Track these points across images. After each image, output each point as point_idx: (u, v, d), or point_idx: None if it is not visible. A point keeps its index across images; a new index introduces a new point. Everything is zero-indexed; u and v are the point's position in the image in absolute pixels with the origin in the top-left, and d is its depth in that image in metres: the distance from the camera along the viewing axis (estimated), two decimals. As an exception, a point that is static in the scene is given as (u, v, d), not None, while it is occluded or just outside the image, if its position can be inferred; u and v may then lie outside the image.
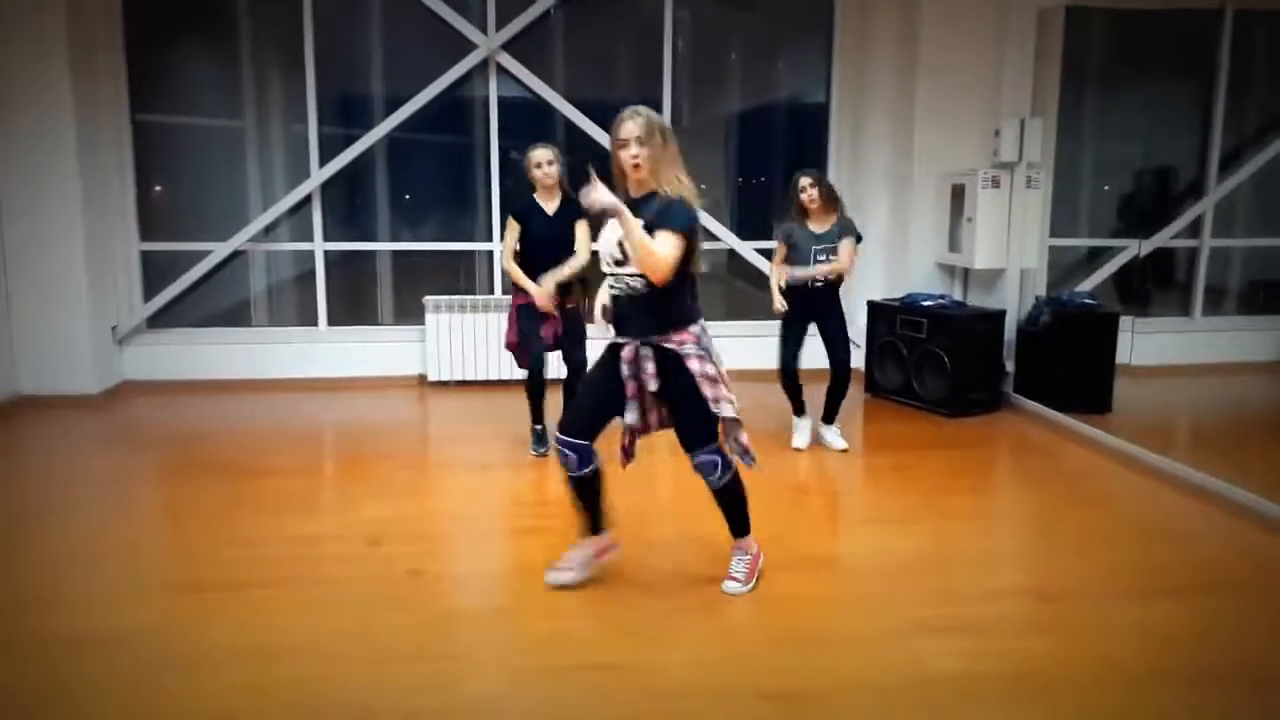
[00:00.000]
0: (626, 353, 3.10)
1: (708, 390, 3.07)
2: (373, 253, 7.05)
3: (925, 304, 6.08)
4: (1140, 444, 4.87)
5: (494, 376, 6.66)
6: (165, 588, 3.46)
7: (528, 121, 6.89)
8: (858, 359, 6.72)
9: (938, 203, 6.46)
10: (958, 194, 6.31)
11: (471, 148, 6.91)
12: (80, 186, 5.99)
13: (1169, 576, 3.49)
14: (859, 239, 4.98)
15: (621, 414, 3.16)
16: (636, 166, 2.99)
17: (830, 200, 4.93)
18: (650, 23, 6.78)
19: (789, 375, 5.13)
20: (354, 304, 7.08)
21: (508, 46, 6.59)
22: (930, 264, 6.56)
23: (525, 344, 4.78)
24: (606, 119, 6.64)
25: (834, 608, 3.25)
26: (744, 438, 3.17)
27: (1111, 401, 5.77)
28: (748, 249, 6.98)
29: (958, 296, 6.45)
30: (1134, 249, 6.90)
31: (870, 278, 6.84)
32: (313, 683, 2.72)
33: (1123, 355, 5.90)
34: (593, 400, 3.22)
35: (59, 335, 6.09)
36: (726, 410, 3.09)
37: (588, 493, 3.24)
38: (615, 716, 2.56)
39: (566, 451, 3.14)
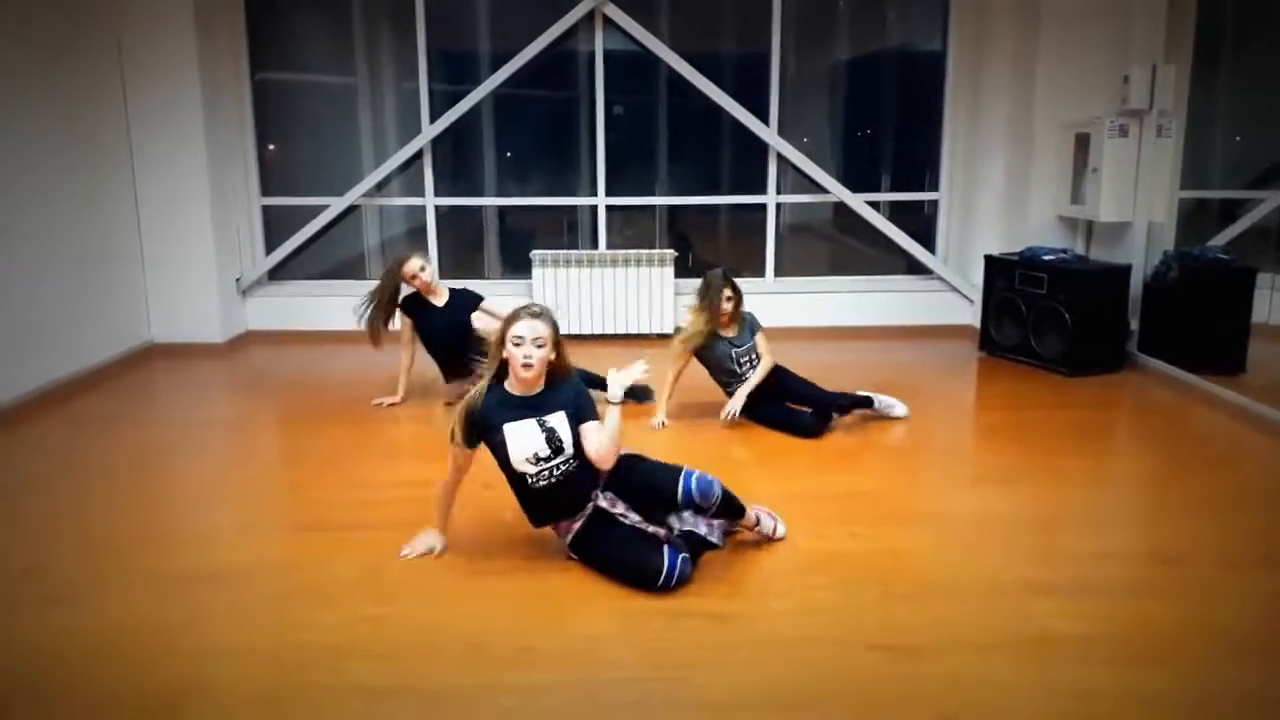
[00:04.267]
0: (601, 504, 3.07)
1: (636, 517, 3.04)
2: (479, 208, 7.15)
3: (1046, 258, 5.83)
4: (1276, 406, 4.59)
5: (599, 330, 6.71)
6: (286, 526, 3.63)
7: (633, 75, 6.85)
8: (973, 314, 6.54)
9: (1060, 153, 6.16)
10: (1082, 144, 6.00)
11: (577, 102, 6.91)
12: (205, 143, 6.22)
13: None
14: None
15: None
16: (528, 367, 2.92)
17: (740, 304, 4.59)
18: (759, -30, 6.63)
19: (816, 421, 4.56)
20: (462, 258, 7.21)
21: (614, -2, 6.55)
22: (1051, 217, 6.28)
23: None
24: (715, 71, 6.68)
25: (944, 564, 3.18)
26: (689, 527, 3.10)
27: (1246, 361, 5.45)
28: (858, 201, 6.81)
29: (1080, 251, 6.17)
30: (1275, 201, 6.46)
31: (987, 232, 6.60)
32: (427, 617, 2.81)
33: (1260, 313, 5.55)
34: (623, 547, 3.03)
35: (188, 286, 6.38)
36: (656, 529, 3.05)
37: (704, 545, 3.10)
38: (723, 661, 2.57)
39: (677, 569, 2.93)
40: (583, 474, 3.03)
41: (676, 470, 3.01)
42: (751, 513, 3.23)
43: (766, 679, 2.49)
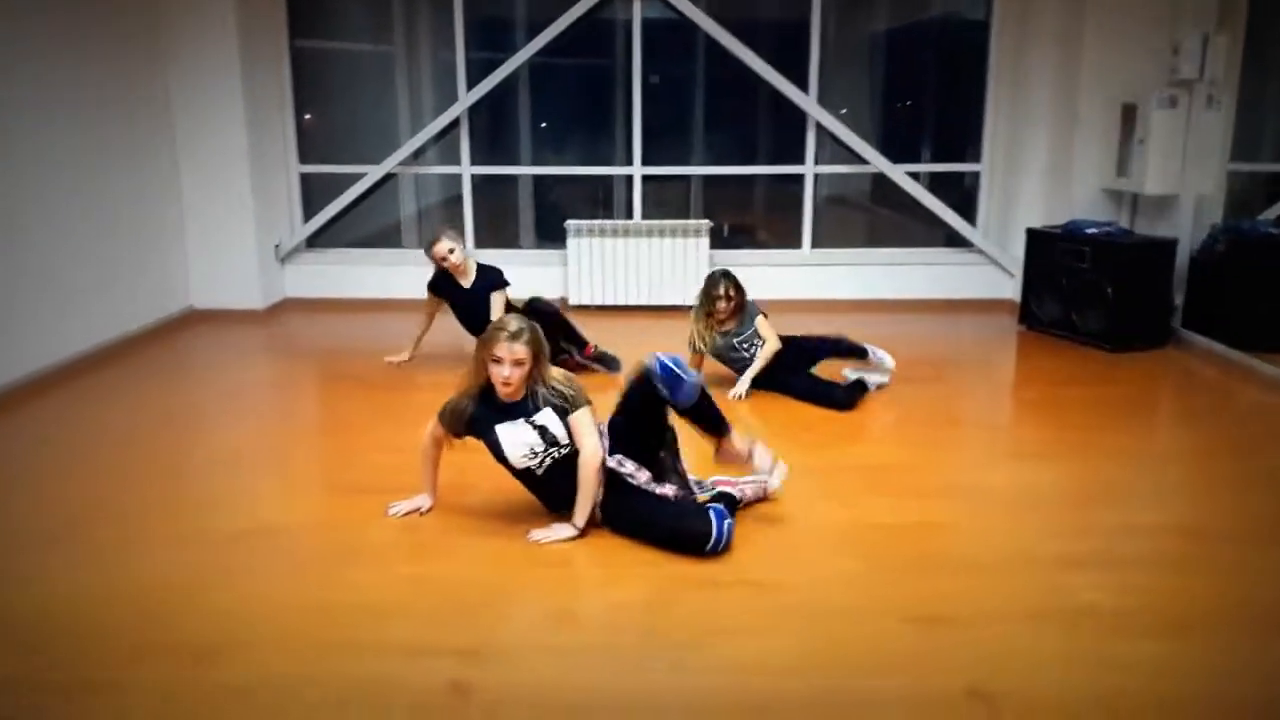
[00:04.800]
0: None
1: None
2: (515, 177, 7.16)
3: (1089, 231, 5.73)
4: (1326, 385, 4.51)
5: (633, 302, 6.70)
6: (324, 488, 3.69)
7: (670, 44, 6.80)
8: (1013, 289, 6.46)
9: (1106, 125, 6.03)
10: (1129, 115, 5.87)
11: (613, 71, 6.87)
12: (245, 110, 6.27)
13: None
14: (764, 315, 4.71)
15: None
16: (506, 385, 2.98)
17: (740, 307, 4.65)
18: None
19: (848, 393, 4.56)
20: (497, 227, 7.22)
21: (653, -36, 6.49)
22: (1095, 190, 6.17)
23: None
24: (752, 39, 6.60)
25: (978, 537, 3.16)
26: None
27: (1294, 339, 5.34)
28: (898, 172, 6.72)
29: (1124, 225, 6.06)
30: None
31: (1029, 205, 6.50)
32: (466, 579, 2.84)
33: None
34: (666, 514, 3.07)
35: (228, 253, 6.45)
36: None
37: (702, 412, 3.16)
38: (757, 628, 2.58)
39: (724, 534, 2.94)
40: (560, 474, 3.07)
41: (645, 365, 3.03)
42: (741, 442, 3.24)
43: (799, 646, 2.49)
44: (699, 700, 2.26)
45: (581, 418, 3.03)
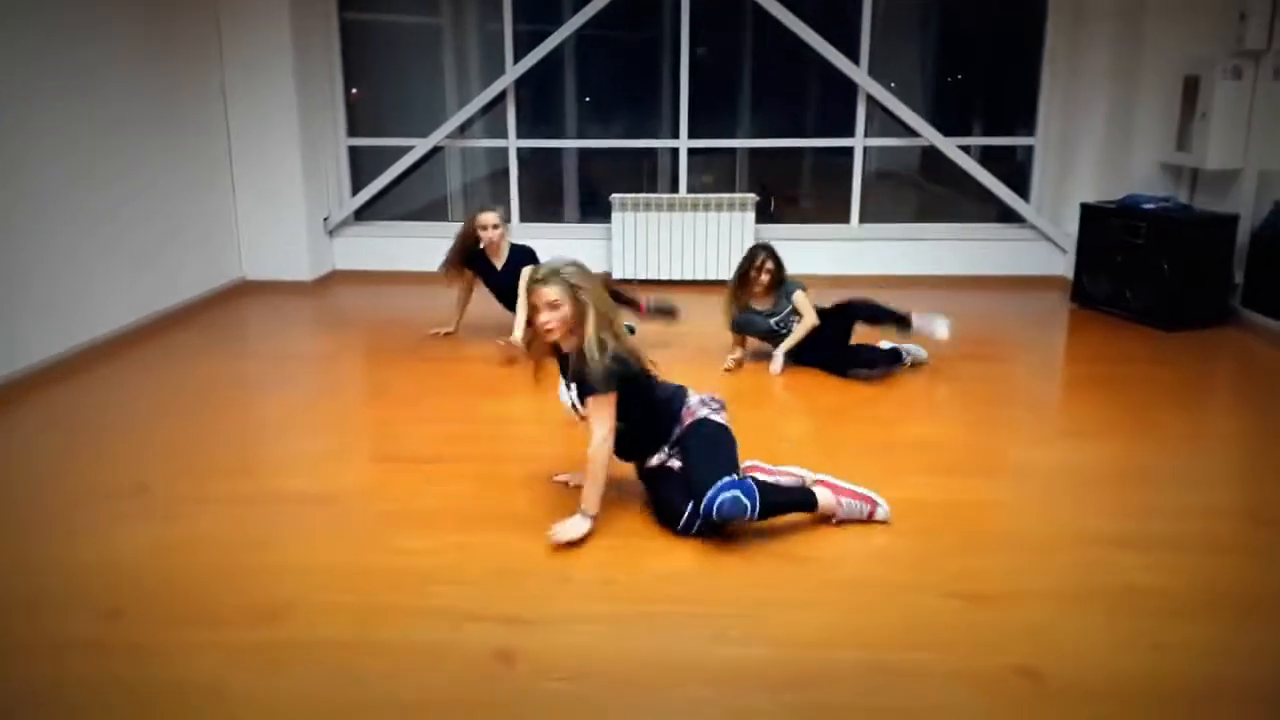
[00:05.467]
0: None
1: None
2: (560, 151, 7.15)
3: (1146, 207, 5.59)
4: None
5: (677, 276, 6.69)
6: (374, 456, 3.74)
7: (717, 14, 6.72)
8: (1066, 265, 6.33)
9: (1167, 97, 5.87)
10: (1190, 87, 5.70)
11: (660, 42, 6.81)
12: (295, 83, 6.33)
13: None
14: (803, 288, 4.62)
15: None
16: (550, 331, 2.87)
17: (779, 282, 4.58)
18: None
19: (886, 358, 4.56)
20: (542, 201, 7.23)
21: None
22: (1153, 164, 6.01)
23: None
24: (802, 7, 6.50)
25: (1027, 515, 3.12)
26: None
27: (1359, 320, 5.18)
28: (949, 145, 6.60)
29: (1183, 200, 5.90)
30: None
31: (1085, 179, 6.36)
32: (513, 548, 2.87)
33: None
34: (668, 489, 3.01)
35: (278, 225, 6.54)
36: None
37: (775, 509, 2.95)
38: (800, 601, 2.59)
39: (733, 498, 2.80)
40: (622, 437, 2.97)
41: (714, 478, 2.81)
42: (830, 500, 2.98)
43: (843, 620, 2.49)
44: (742, 671, 2.27)
45: (597, 401, 2.88)
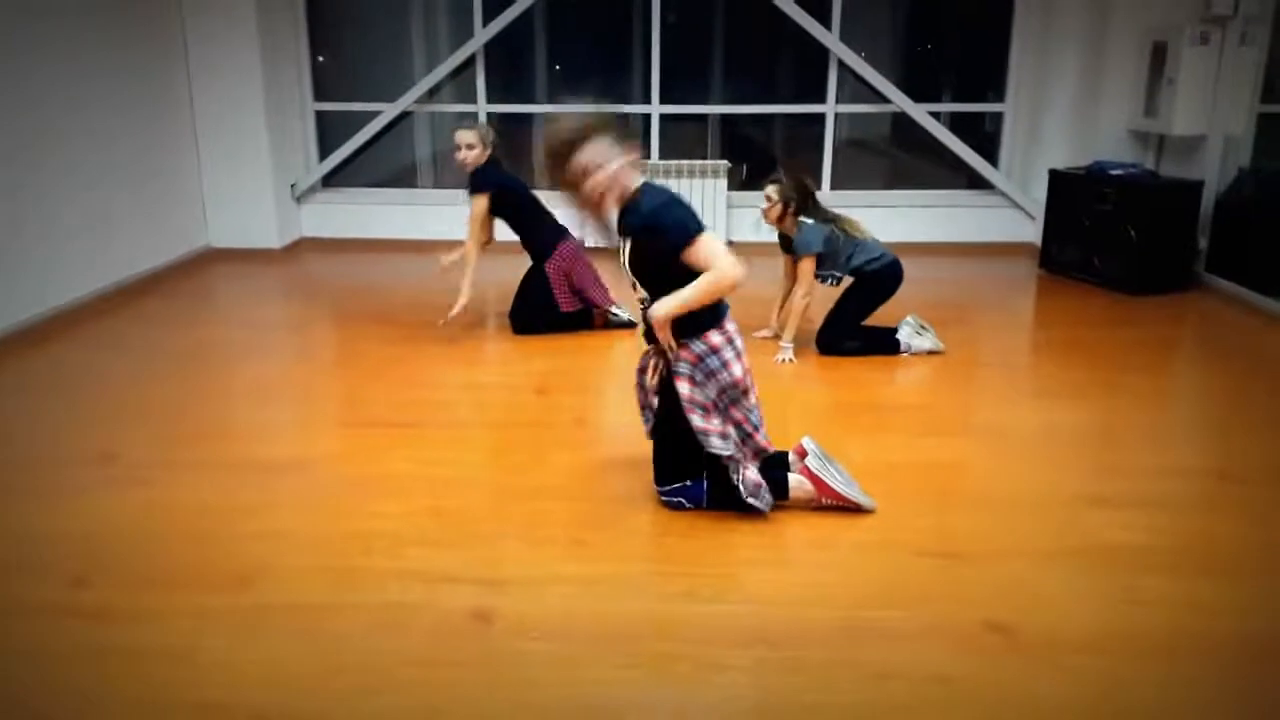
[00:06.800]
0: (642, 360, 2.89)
1: (696, 419, 2.67)
2: (530, 118, 7.07)
3: (1113, 172, 5.64)
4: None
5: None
6: (344, 423, 3.71)
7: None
8: (1035, 232, 6.37)
9: (1135, 63, 5.90)
10: (1158, 53, 5.74)
11: (630, 7, 6.74)
12: (259, 47, 6.20)
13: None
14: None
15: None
16: (603, 197, 2.59)
17: (791, 214, 4.28)
18: None
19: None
20: (513, 167, 7.12)
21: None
22: (1121, 131, 6.06)
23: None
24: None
25: (999, 476, 3.16)
26: (751, 475, 2.73)
27: (1320, 285, 5.27)
28: (920, 111, 6.61)
29: (1150, 167, 5.95)
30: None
31: (1053, 146, 6.40)
32: (485, 511, 2.87)
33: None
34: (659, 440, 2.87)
35: (244, 192, 6.44)
36: (715, 445, 2.67)
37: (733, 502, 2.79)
38: (770, 560, 2.61)
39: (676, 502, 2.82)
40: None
41: (666, 475, 2.80)
42: (804, 493, 2.83)
43: (816, 578, 2.51)
44: (714, 627, 2.28)
45: (695, 253, 2.52)
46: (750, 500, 2.74)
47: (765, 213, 4.34)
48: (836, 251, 4.28)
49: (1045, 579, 2.51)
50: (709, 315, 2.65)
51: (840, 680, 2.11)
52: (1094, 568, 2.55)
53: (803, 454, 2.87)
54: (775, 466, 2.86)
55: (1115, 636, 2.25)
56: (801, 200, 4.28)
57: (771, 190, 4.30)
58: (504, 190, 4.62)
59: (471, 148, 4.57)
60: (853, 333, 4.38)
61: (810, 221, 4.26)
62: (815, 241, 4.23)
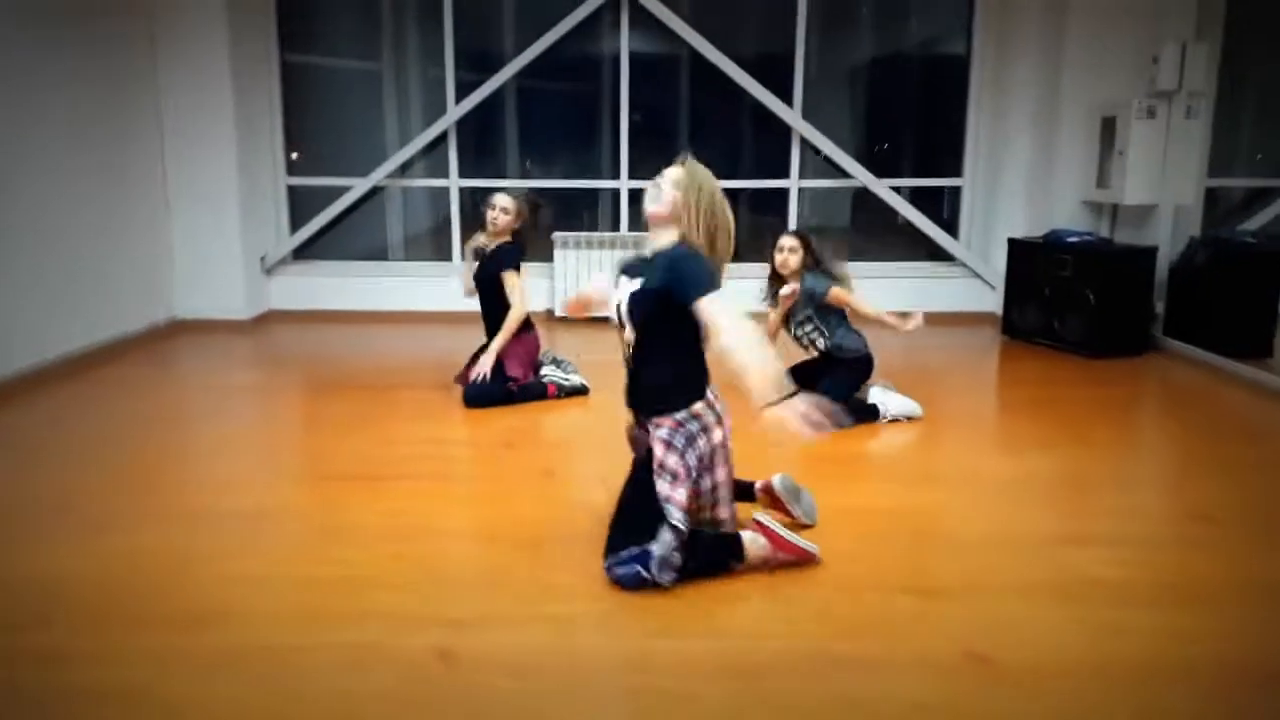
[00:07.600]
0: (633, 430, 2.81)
1: (663, 486, 2.57)
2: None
3: (1071, 240, 5.79)
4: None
5: (619, 313, 6.69)
6: (311, 477, 3.64)
7: (656, 71, 6.88)
8: (996, 301, 6.49)
9: (1086, 137, 6.13)
10: (1108, 127, 5.97)
11: (599, 97, 6.94)
12: (234, 123, 6.28)
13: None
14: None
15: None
16: (667, 219, 2.76)
17: (806, 268, 4.32)
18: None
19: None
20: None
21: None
22: (1075, 202, 6.24)
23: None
24: (738, 54, 6.65)
25: (975, 518, 3.15)
26: (675, 558, 2.54)
27: (1272, 347, 5.39)
28: (881, 186, 6.79)
29: (1104, 235, 6.12)
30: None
31: (1011, 217, 6.58)
32: (449, 556, 2.82)
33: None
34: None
35: (214, 263, 6.42)
36: (673, 515, 2.53)
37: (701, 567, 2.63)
38: (746, 595, 2.56)
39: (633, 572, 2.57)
40: (634, 376, 2.70)
41: (619, 543, 2.61)
42: (759, 549, 2.69)
43: (792, 613, 2.47)
44: (686, 662, 2.23)
45: (709, 301, 2.48)
46: (653, 571, 2.52)
47: (785, 260, 4.33)
48: (830, 316, 4.34)
49: (1025, 612, 2.49)
50: (696, 387, 2.64)
51: (817, 711, 2.05)
52: (1073, 601, 2.54)
53: (767, 489, 2.87)
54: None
55: (1095, 664, 2.23)
56: (818, 251, 4.35)
57: (789, 240, 4.33)
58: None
59: (506, 212, 4.57)
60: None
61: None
62: (821, 288, 4.26)
